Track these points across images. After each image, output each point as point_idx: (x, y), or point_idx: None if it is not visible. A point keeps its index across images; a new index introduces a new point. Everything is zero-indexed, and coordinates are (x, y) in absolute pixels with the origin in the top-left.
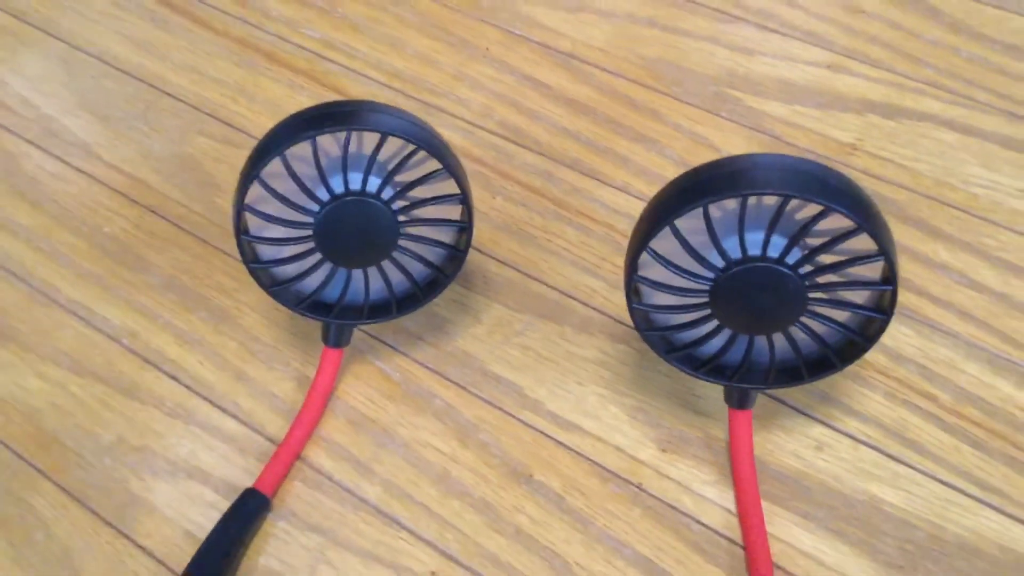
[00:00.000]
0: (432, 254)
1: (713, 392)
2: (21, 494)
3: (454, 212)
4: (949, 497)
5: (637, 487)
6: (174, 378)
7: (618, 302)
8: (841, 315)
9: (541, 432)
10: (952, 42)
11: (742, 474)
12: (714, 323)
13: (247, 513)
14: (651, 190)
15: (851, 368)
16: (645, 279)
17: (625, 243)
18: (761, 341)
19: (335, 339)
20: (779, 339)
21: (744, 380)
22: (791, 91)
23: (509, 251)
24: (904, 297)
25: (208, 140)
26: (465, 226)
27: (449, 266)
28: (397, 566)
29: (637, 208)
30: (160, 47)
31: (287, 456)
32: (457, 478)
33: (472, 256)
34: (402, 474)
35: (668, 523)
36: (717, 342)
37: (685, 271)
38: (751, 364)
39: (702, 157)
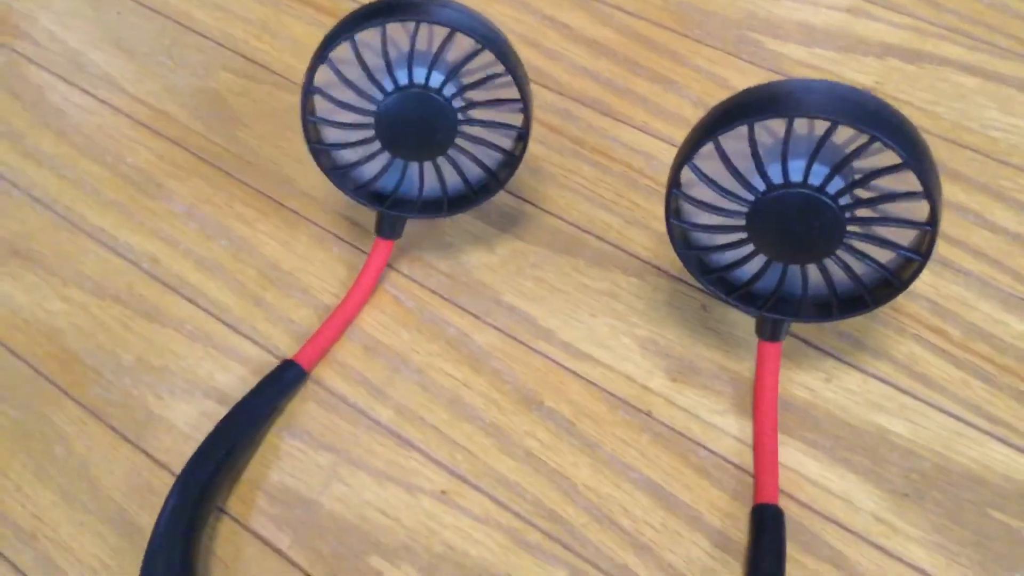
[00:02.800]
0: (487, 157)
1: (725, 326)
2: (43, 410)
3: (514, 119)
4: (956, 429)
5: (646, 414)
6: (193, 302)
7: (632, 237)
8: (877, 252)
9: (553, 360)
10: None
11: (764, 404)
12: (750, 247)
13: (283, 381)
14: (669, 130)
15: None
16: (686, 195)
17: (642, 181)
18: (794, 272)
19: (388, 230)
20: (813, 272)
21: (775, 311)
22: (812, 34)
23: (526, 186)
24: None
25: (231, 75)
26: (523, 133)
27: (502, 172)
28: (408, 484)
29: (655, 147)
30: None
31: (329, 332)
32: (469, 403)
33: None
34: (415, 398)
35: (676, 449)
36: (751, 268)
37: (726, 191)
38: (783, 295)
39: (721, 98)
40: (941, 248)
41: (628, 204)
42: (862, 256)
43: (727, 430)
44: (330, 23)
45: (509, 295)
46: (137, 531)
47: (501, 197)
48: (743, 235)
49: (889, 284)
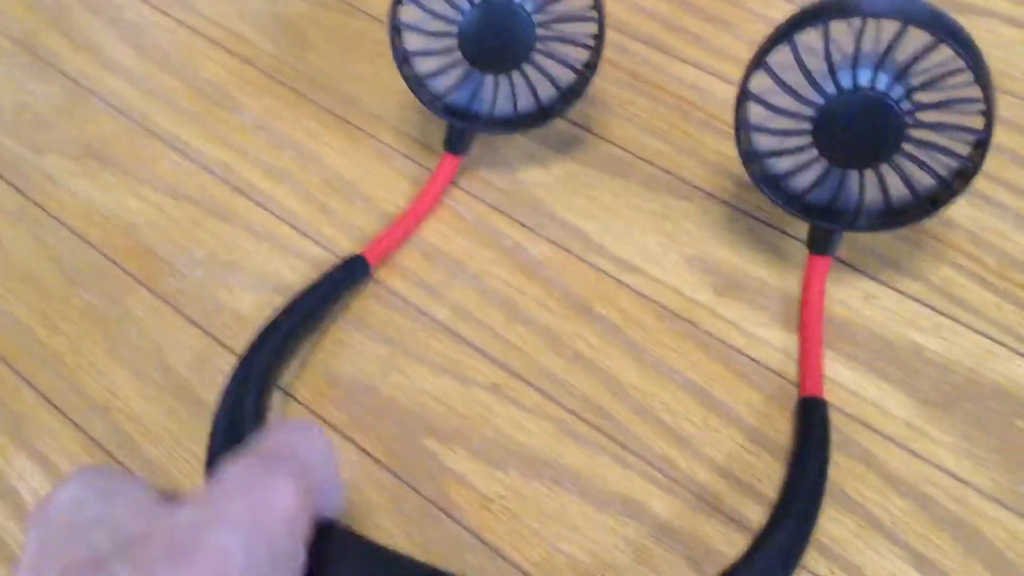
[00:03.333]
0: (561, 75)
1: (771, 249)
2: (118, 298)
3: (588, 35)
4: (988, 347)
5: (691, 324)
6: (262, 206)
7: (684, 164)
8: (932, 158)
9: (603, 272)
10: None
11: (811, 311)
12: (813, 152)
13: (348, 271)
14: (722, 67)
15: (903, 231)
16: (757, 98)
17: (694, 114)
18: (850, 185)
19: (457, 145)
20: (870, 179)
21: (831, 221)
22: None
23: (583, 114)
24: None
25: (301, 2)
26: (594, 47)
27: (571, 91)
28: (462, 377)
29: (707, 82)
30: None
31: (395, 234)
32: (522, 307)
33: None
34: (470, 300)
35: (718, 355)
36: (810, 175)
37: (795, 93)
38: (837, 208)
39: None
40: (981, 184)
41: (680, 134)
42: (918, 161)
43: (768, 340)
44: None
45: (563, 211)
46: (204, 405)
47: (558, 123)
48: (808, 139)
49: (939, 193)
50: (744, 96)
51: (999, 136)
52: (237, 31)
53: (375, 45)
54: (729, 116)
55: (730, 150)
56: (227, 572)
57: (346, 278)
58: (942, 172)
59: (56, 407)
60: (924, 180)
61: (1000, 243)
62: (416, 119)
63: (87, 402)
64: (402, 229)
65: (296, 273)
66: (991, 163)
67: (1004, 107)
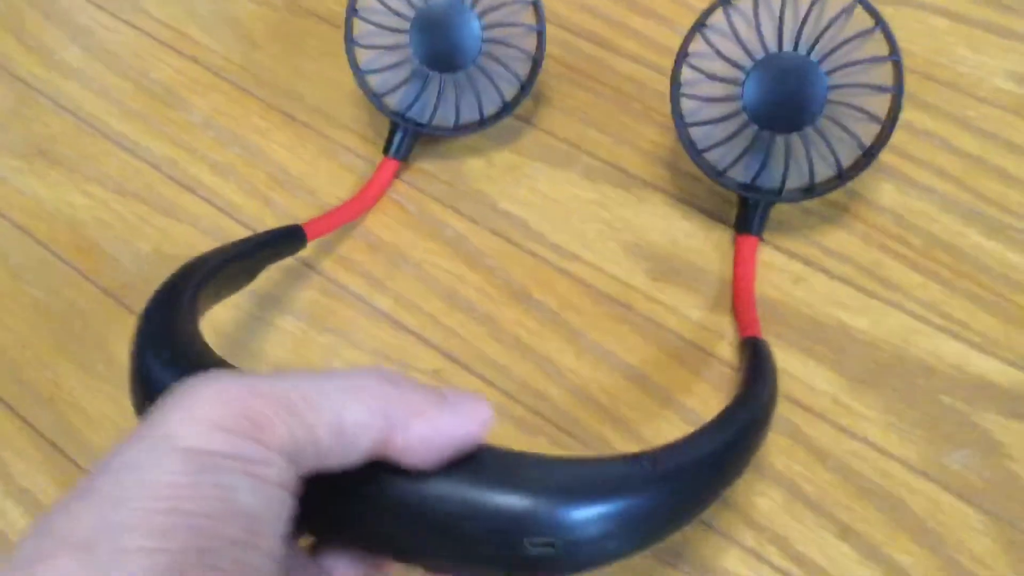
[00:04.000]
0: (504, 82)
1: (704, 235)
2: (64, 292)
3: (529, 43)
4: (914, 326)
5: (628, 308)
6: (208, 201)
7: (622, 155)
8: (852, 120)
9: (543, 260)
10: None
11: (742, 290)
12: (742, 118)
13: (282, 235)
14: (662, 61)
15: (831, 213)
16: (691, 64)
17: (633, 106)
18: (777, 150)
19: (396, 149)
20: (796, 147)
21: (758, 193)
22: None
23: (524, 107)
24: (887, 157)
25: (250, 3)
26: (536, 58)
27: (514, 99)
28: (404, 364)
29: (645, 75)
30: None
31: (337, 217)
32: (463, 295)
33: None
34: (413, 290)
35: (652, 338)
36: (739, 145)
37: (728, 58)
38: (765, 179)
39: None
40: (908, 167)
41: (619, 125)
42: (838, 124)
43: (703, 323)
44: None
45: (505, 202)
46: None
47: None
48: (738, 104)
49: (858, 160)
50: (681, 59)
51: (927, 122)
52: (186, 32)
53: (322, 43)
54: (666, 107)
55: (667, 141)
56: (111, 499)
57: (279, 239)
58: (861, 133)
59: (1, 400)
60: (845, 142)
61: (926, 225)
62: (362, 116)
63: (32, 394)
64: (343, 212)
65: None
66: (919, 148)
67: (932, 95)
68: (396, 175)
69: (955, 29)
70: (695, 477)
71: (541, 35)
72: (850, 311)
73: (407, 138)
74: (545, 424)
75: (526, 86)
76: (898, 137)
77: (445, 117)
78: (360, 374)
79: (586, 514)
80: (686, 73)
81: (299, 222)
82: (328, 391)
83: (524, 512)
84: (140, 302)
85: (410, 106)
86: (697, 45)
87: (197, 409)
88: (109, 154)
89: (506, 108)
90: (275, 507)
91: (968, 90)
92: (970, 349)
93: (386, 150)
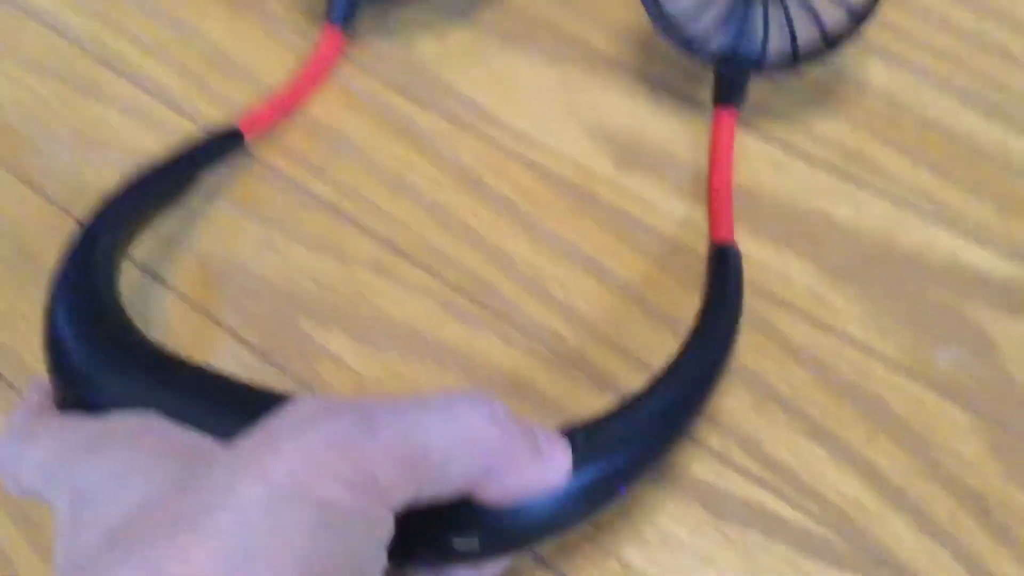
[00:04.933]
0: None
1: (671, 108)
2: None
3: None
4: (902, 215)
5: (590, 196)
6: (133, 81)
7: (586, 30)
8: None
9: (498, 145)
10: None
11: (720, 163)
12: None
13: (215, 144)
14: None
15: (815, 95)
16: None
17: None
18: (755, 17)
19: (338, 15)
20: (775, 12)
21: (737, 64)
22: None
23: None
24: (878, 35)
25: None
26: None
27: None
28: (343, 255)
29: None
30: None
31: (278, 106)
32: (410, 182)
33: None
34: (355, 177)
35: (616, 229)
36: (713, 13)
37: None
38: (743, 49)
39: None
40: (900, 46)
41: (585, 0)
42: None
43: (670, 212)
44: None
45: (459, 84)
46: None
47: None
48: None
49: (847, 30)
50: None
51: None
52: None
53: None
54: None
55: (634, 15)
56: (239, 547)
57: (216, 143)
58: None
59: None
60: (829, 10)
61: (919, 107)
62: None
63: None
64: (284, 100)
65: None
66: (914, 24)
67: None
68: (340, 51)
69: None
70: (630, 453)
71: None
72: (833, 199)
73: (350, 6)
74: (495, 319)
75: None
76: (891, 13)
77: None
78: (468, 412)
79: (514, 510)
80: None
81: (234, 108)
82: (442, 440)
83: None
84: (59, 190)
85: None
86: None
87: (318, 454)
88: (26, 29)
89: None
90: (381, 569)
91: None
92: (963, 239)
93: (328, 14)
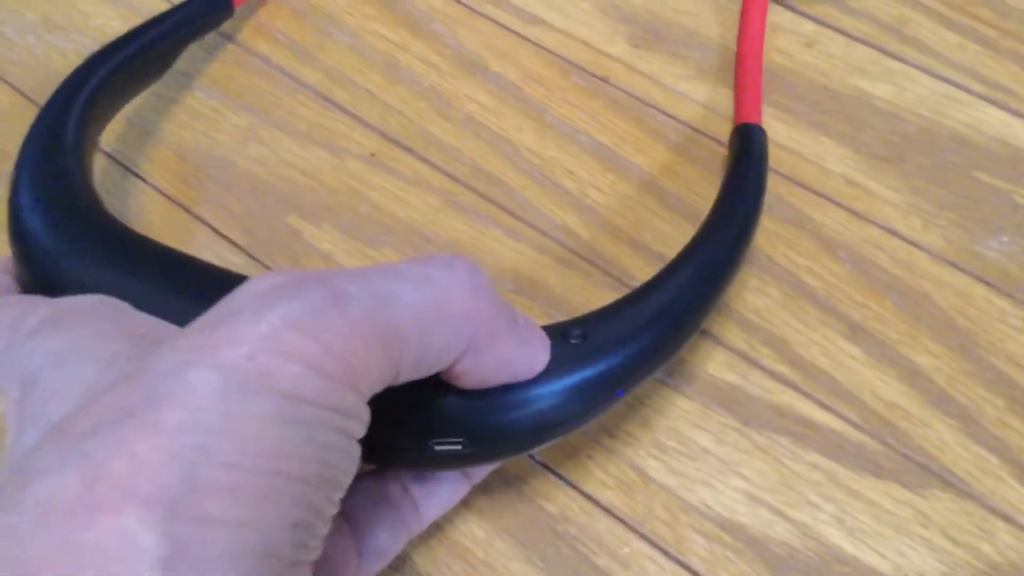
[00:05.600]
0: None
1: None
2: None
3: None
4: (947, 93)
5: (602, 80)
6: None
7: None
8: None
9: (501, 25)
10: None
11: (749, 33)
12: None
13: (200, 9)
14: None
15: None
16: None
17: None
18: None
19: None
20: None
21: None
22: None
23: None
24: None
25: None
26: None
27: None
28: (334, 147)
29: None
30: None
31: None
32: (406, 66)
33: None
34: (346, 61)
35: (632, 113)
36: None
37: None
38: None
39: None
40: None
41: None
42: None
43: (690, 95)
44: None
45: None
46: None
47: None
48: None
49: None
50: None
51: None
52: None
53: None
54: None
55: None
56: (191, 443)
57: (199, 12)
58: None
59: None
60: None
61: None
62: None
63: None
64: None
65: None
66: None
67: None
68: None
69: None
70: (632, 354)
71: None
72: (871, 78)
73: None
74: (500, 213)
75: None
76: None
77: None
78: (445, 279)
79: (498, 412)
80: None
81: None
82: (419, 312)
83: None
84: (26, 80)
85: None
86: None
87: (280, 335)
88: None
89: None
90: (354, 466)
91: None
92: (1015, 118)
93: None
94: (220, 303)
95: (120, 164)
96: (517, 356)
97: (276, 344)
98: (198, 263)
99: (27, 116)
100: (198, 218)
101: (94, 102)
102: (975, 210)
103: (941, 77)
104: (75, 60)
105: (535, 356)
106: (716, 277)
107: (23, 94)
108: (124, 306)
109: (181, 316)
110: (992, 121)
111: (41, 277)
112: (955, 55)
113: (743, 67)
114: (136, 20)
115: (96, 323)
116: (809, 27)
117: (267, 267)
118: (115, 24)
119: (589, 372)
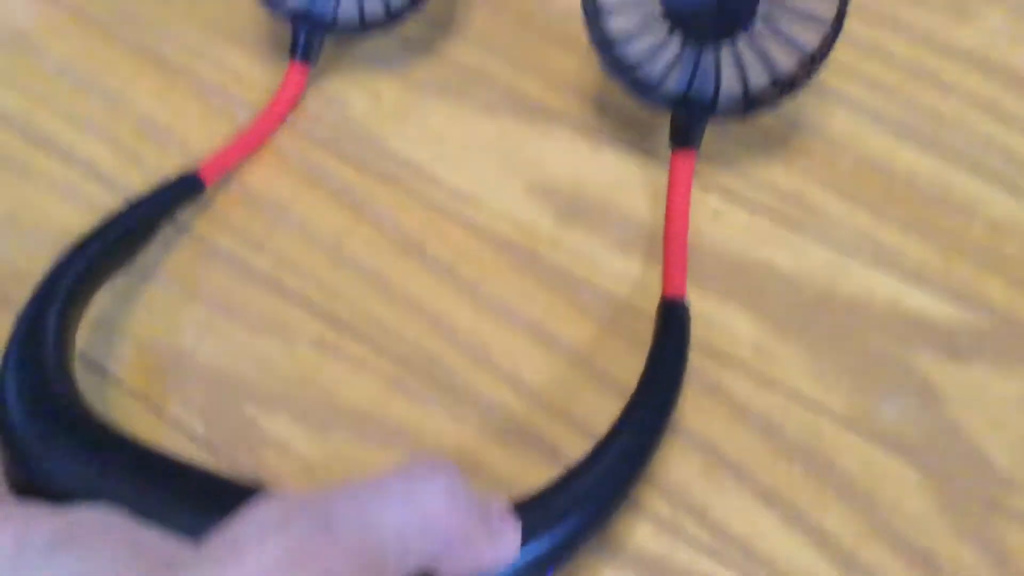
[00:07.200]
0: None
1: (614, 160)
2: None
3: None
4: (842, 260)
5: (532, 255)
6: (67, 160)
7: (523, 82)
8: (790, 27)
9: (437, 207)
10: None
11: (676, 214)
12: (665, 29)
13: (178, 189)
14: None
15: (749, 135)
16: None
17: (534, 22)
18: (707, 63)
19: (303, 51)
20: (727, 59)
21: (689, 110)
22: None
23: (417, 31)
24: None
25: None
26: None
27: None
28: (286, 334)
29: None
30: None
31: (235, 152)
32: (350, 250)
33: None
34: (295, 247)
35: (560, 288)
36: (665, 58)
37: None
38: (696, 93)
39: None
40: (834, 79)
41: (521, 48)
42: (776, 31)
43: (612, 269)
44: None
45: (395, 142)
46: None
47: (390, 43)
48: (659, 8)
49: (796, 76)
50: None
51: (857, 28)
52: None
53: None
54: (571, 26)
55: (574, 64)
56: None
57: (173, 195)
58: (800, 45)
59: None
60: (781, 56)
61: (856, 144)
62: (236, 52)
63: None
64: (246, 142)
65: None
66: (846, 54)
67: None
68: (304, 86)
69: None
70: (562, 536)
71: None
72: (773, 246)
73: (313, 39)
74: (441, 394)
75: None
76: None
77: (349, 12)
78: (426, 492)
79: None
80: None
81: (194, 168)
82: (402, 530)
83: None
84: None
85: (310, 6)
86: None
87: (280, 564)
88: None
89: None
90: None
91: None
92: (903, 283)
93: (292, 49)
94: (225, 531)
95: (80, 358)
96: (489, 554)
97: (277, 572)
98: (185, 467)
99: None
100: (159, 412)
101: (74, 297)
102: (871, 374)
103: (836, 245)
104: (40, 258)
105: (506, 548)
106: (641, 454)
107: None
108: (129, 521)
109: (175, 522)
110: (883, 285)
111: (29, 477)
112: (848, 221)
113: (669, 242)
114: (93, 217)
115: (111, 544)
116: (715, 199)
117: (229, 460)
118: (77, 221)
119: (528, 550)
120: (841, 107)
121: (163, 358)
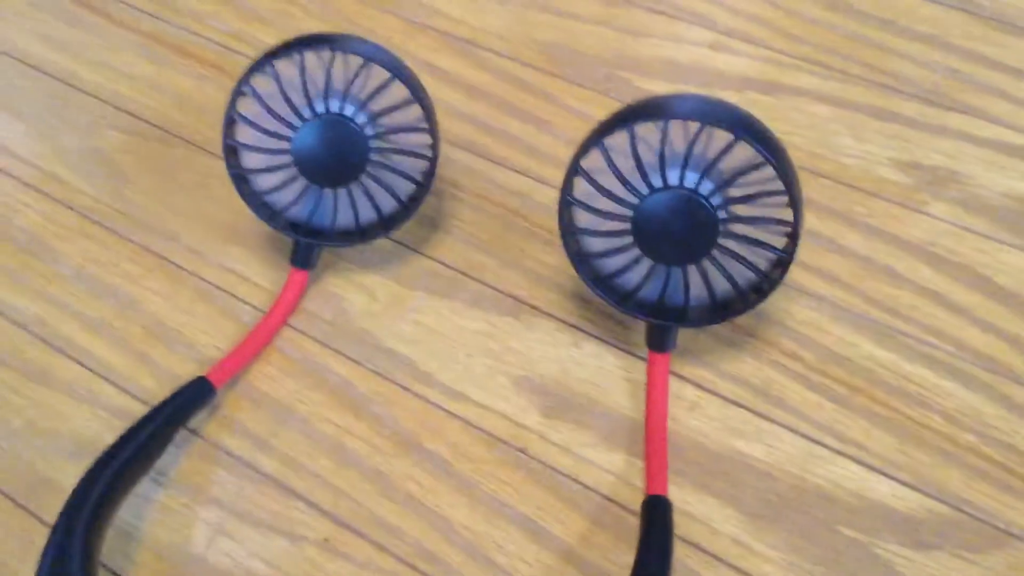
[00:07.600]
0: (399, 187)
1: (595, 353)
2: None
3: (426, 150)
4: (810, 450)
5: (521, 451)
6: (80, 363)
7: (508, 278)
8: (749, 251)
9: (431, 403)
10: (829, 19)
11: (656, 408)
12: (636, 252)
13: (190, 395)
14: (544, 171)
15: (720, 331)
16: (576, 200)
17: (517, 222)
18: (676, 279)
19: (303, 259)
20: (694, 276)
21: (662, 317)
22: (676, 70)
23: (407, 231)
24: None
25: (118, 133)
26: (431, 159)
27: (412, 202)
28: (292, 535)
29: (529, 187)
30: (73, 44)
31: (242, 355)
32: (351, 449)
33: None
34: (299, 447)
35: (548, 484)
36: (637, 273)
37: (612, 194)
38: (668, 305)
39: None
40: (795, 274)
41: (504, 246)
42: (735, 255)
43: (596, 462)
44: (215, 75)
45: (389, 340)
46: None
47: (383, 244)
48: (630, 239)
49: (760, 285)
50: (566, 203)
51: (814, 222)
52: (53, 171)
53: (195, 175)
54: (552, 223)
55: (554, 260)
56: None
57: (186, 401)
58: (760, 264)
59: None
60: (744, 273)
61: (818, 336)
62: (240, 254)
63: None
64: (248, 349)
65: (116, 434)
66: (805, 250)
67: (817, 191)
68: (303, 291)
69: (838, 115)
70: None
71: (433, 129)
72: (746, 438)
73: (312, 247)
74: None
75: (424, 183)
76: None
77: (346, 224)
78: None
79: None
80: (579, 216)
81: (178, 381)
82: None
83: None
84: (15, 485)
85: (309, 218)
86: (580, 185)
87: None
88: None
89: (407, 208)
90: None
91: (853, 183)
92: (868, 473)
93: (293, 260)
94: None
95: (104, 566)
96: None
97: None
98: None
99: (15, 520)
100: None
101: (100, 512)
102: (841, 564)
103: (804, 435)
104: (57, 463)
105: None
106: None
107: (11, 498)
108: None
109: None
110: (850, 476)
111: None
112: (814, 413)
113: (650, 440)
114: (110, 421)
115: None
116: (691, 392)
117: None
118: (92, 426)
119: None
120: (804, 300)
121: (177, 563)
